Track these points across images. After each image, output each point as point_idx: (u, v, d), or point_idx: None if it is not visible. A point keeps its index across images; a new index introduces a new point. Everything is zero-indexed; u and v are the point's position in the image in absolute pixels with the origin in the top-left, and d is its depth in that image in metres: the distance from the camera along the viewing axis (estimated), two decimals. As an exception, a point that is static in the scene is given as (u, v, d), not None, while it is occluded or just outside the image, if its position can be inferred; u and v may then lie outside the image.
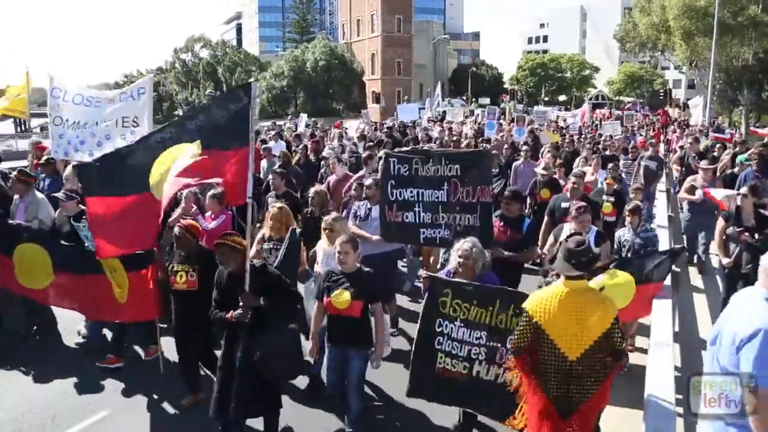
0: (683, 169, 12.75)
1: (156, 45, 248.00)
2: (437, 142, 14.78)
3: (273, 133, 17.04)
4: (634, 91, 65.03)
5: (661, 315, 5.05)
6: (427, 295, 4.46)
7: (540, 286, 4.51)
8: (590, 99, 58.33)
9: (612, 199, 8.38)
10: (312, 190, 7.26)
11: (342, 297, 4.49)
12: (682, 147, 14.63)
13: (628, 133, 18.82)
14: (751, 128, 27.46)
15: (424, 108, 26.55)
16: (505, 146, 13.81)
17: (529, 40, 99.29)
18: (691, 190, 9.06)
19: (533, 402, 3.48)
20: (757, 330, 2.63)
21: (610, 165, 9.78)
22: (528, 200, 9.19)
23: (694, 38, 34.99)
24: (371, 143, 13.49)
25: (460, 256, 4.54)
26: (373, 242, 6.20)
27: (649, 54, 48.40)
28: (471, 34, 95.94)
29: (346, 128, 21.80)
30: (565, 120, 24.92)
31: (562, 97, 74.46)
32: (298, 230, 5.96)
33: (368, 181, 6.86)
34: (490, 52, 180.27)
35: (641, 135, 20.50)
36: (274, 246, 5.77)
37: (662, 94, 50.61)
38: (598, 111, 41.01)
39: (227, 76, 69.78)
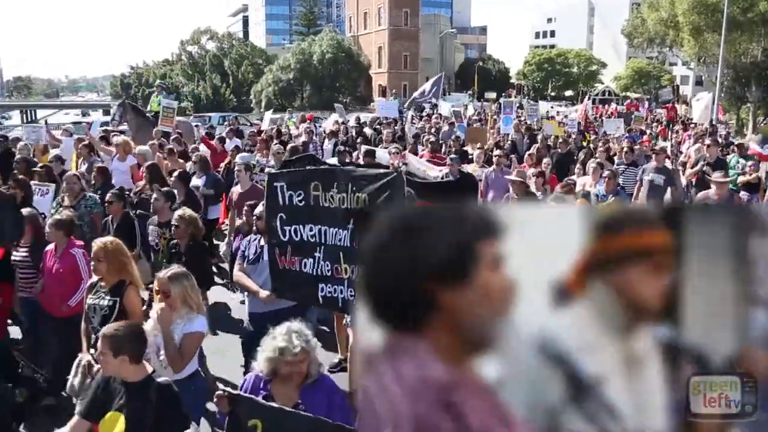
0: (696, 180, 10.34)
1: (162, 37, 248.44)
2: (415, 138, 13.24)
3: (228, 129, 14.51)
4: (641, 87, 64.72)
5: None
6: (227, 422, 2.76)
7: None
8: (596, 94, 58.10)
9: None
10: (176, 216, 5.19)
11: (114, 425, 2.73)
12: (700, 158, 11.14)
13: (633, 132, 17.31)
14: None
15: (404, 110, 24.93)
16: (490, 141, 12.49)
17: (537, 35, 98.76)
18: None
19: None
20: None
21: (606, 172, 7.92)
22: None
23: (702, 34, 34.72)
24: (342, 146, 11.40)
25: (270, 357, 2.77)
26: (262, 299, 4.50)
27: (657, 50, 48.10)
28: (478, 28, 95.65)
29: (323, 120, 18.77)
30: (566, 116, 23.77)
31: (568, 93, 74.18)
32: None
33: (259, 209, 4.86)
34: (497, 47, 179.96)
35: (645, 133, 19.38)
36: (100, 298, 4.03)
37: (670, 88, 50.24)
38: (602, 107, 40.71)
39: (234, 68, 69.85)
